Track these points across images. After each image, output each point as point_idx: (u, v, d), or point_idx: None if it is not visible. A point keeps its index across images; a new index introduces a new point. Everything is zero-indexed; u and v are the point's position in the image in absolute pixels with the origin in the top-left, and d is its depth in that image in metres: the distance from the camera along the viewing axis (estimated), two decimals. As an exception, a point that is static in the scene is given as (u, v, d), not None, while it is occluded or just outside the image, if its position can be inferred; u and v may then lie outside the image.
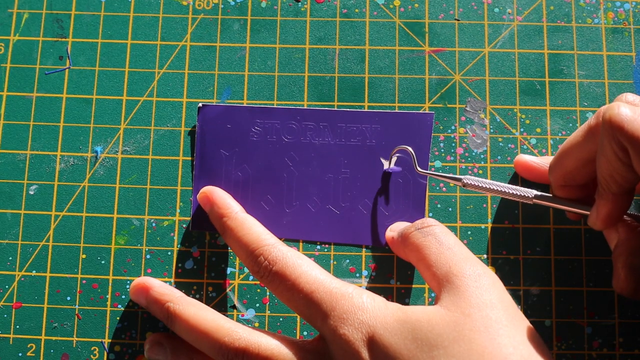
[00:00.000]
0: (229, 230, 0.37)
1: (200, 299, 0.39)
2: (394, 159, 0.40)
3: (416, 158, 0.40)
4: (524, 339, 0.30)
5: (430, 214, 0.40)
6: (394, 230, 0.38)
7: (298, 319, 0.39)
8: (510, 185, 0.37)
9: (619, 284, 0.33)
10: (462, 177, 0.37)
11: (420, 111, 0.41)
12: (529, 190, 0.37)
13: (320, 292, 0.33)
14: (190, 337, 0.35)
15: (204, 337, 0.34)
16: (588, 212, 0.35)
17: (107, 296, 0.40)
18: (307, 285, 0.33)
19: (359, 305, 0.32)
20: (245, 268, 0.40)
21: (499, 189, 0.37)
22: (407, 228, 0.36)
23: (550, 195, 0.36)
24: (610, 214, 0.33)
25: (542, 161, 0.39)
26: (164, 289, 0.37)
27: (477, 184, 0.37)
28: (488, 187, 0.37)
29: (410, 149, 0.39)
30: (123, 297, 0.39)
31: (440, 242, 0.34)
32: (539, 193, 0.36)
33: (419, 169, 0.39)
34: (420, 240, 0.35)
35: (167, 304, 0.36)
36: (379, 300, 0.33)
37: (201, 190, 0.39)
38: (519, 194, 0.37)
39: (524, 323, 0.31)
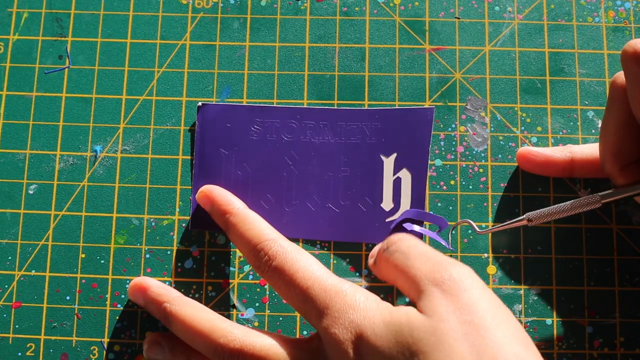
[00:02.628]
0: (232, 226, 0.37)
1: (199, 299, 0.39)
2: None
3: (416, 154, 0.40)
4: (509, 339, 0.28)
5: (431, 212, 0.40)
6: (372, 256, 0.37)
7: (298, 319, 0.39)
8: (572, 201, 0.37)
9: None
10: (524, 216, 0.37)
11: (420, 106, 0.41)
12: (592, 196, 0.36)
13: (316, 289, 0.33)
14: (186, 337, 0.35)
15: (200, 338, 0.34)
16: None
17: (107, 296, 0.39)
18: (303, 280, 0.33)
19: (351, 303, 0.32)
20: (245, 267, 0.40)
21: (564, 209, 0.36)
22: (378, 251, 0.35)
23: (613, 190, 0.36)
24: None
25: (542, 150, 0.39)
26: (161, 289, 0.37)
27: (541, 215, 0.37)
28: (553, 211, 0.37)
29: (470, 221, 0.38)
30: (122, 296, 0.39)
31: (407, 255, 0.33)
32: (603, 192, 0.36)
33: (478, 230, 0.38)
34: (390, 260, 0.33)
35: (164, 304, 0.36)
36: (372, 299, 0.32)
37: (200, 190, 0.39)
38: (585, 202, 0.36)
39: (509, 321, 0.30)
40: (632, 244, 0.39)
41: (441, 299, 0.30)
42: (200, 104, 0.41)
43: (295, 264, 0.34)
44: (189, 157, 0.41)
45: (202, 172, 0.40)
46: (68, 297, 0.39)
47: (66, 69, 0.42)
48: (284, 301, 0.39)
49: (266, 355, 0.33)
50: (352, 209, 0.40)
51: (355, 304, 0.32)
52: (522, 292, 0.39)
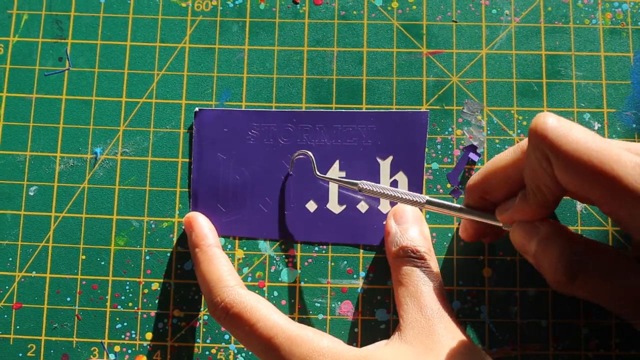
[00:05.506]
0: (197, 261, 0.37)
1: (199, 300, 0.40)
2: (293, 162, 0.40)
3: (412, 158, 0.40)
4: None
5: (427, 216, 0.40)
6: (395, 246, 0.37)
7: (295, 319, 0.40)
8: (402, 190, 0.37)
9: (557, 279, 0.32)
10: (357, 182, 0.38)
11: (415, 110, 0.41)
12: (421, 195, 0.37)
13: (280, 338, 0.33)
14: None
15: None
16: (497, 223, 0.35)
17: (107, 297, 0.40)
18: (265, 330, 0.33)
19: (318, 349, 0.32)
20: (243, 269, 0.40)
21: (392, 194, 0.37)
22: (400, 250, 0.36)
23: (442, 201, 0.36)
24: (529, 218, 0.33)
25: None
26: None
27: (371, 189, 0.37)
28: (382, 192, 0.37)
29: (310, 153, 0.39)
30: (122, 297, 0.40)
31: (425, 281, 0.35)
32: (431, 199, 0.37)
33: (317, 173, 0.39)
34: (408, 277, 0.35)
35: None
36: (339, 343, 0.33)
37: (186, 215, 0.39)
38: (410, 199, 0.37)
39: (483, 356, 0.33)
40: (627, 245, 0.40)
41: (426, 330, 0.33)
42: (197, 109, 0.41)
43: (255, 313, 0.34)
44: (189, 160, 0.41)
45: (200, 176, 0.41)
46: (68, 298, 0.40)
47: (66, 71, 0.42)
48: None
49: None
50: (349, 211, 0.40)
51: (323, 350, 0.32)
52: (517, 293, 0.39)
